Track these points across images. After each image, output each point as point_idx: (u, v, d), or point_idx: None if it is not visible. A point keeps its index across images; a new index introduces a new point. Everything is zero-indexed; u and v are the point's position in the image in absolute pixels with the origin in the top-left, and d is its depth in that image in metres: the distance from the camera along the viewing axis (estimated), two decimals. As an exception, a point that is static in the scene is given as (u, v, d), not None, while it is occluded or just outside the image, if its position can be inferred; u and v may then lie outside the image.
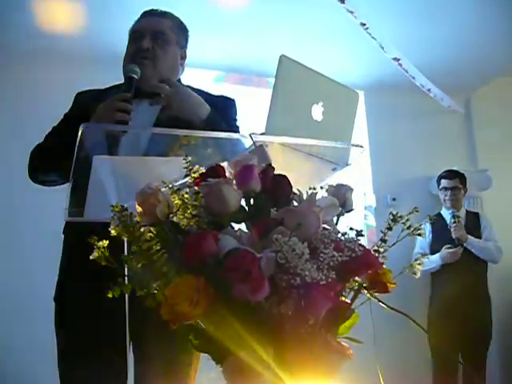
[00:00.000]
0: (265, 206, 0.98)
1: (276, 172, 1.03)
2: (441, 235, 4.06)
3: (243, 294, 0.79)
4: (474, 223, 4.23)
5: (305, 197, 1.03)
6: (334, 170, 1.33)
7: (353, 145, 1.32)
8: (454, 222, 4.00)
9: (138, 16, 1.92)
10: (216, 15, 3.66)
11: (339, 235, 0.96)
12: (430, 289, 4.19)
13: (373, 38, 3.66)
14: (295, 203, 1.02)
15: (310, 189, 1.04)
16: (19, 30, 3.53)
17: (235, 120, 1.90)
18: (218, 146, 1.33)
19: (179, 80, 1.94)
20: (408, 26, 3.88)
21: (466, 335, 3.78)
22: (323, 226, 0.96)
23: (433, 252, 4.03)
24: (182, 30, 1.95)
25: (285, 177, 1.02)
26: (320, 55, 3.77)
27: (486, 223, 4.28)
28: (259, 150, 1.12)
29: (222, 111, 1.79)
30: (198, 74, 4.30)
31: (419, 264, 1.09)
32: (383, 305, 1.03)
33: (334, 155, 1.30)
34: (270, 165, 1.05)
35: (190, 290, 0.84)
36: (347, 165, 1.33)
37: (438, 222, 4.03)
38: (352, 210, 1.12)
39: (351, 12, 3.34)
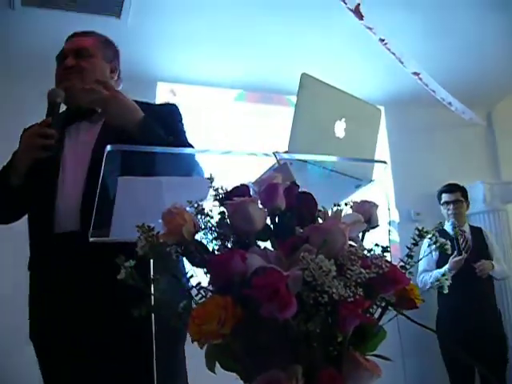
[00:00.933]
0: (290, 223, 0.99)
1: (300, 189, 1.03)
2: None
3: (271, 312, 0.79)
4: (479, 240, 4.16)
5: (330, 214, 1.03)
6: (358, 186, 1.33)
7: (376, 161, 1.32)
8: (456, 234, 3.93)
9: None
10: (236, 34, 3.70)
11: (365, 252, 0.95)
12: (438, 306, 4.06)
13: (392, 53, 3.66)
14: (320, 220, 1.02)
15: (335, 206, 1.04)
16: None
17: (181, 123, 1.87)
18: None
19: None
20: (427, 40, 3.89)
21: (479, 349, 3.50)
22: (349, 242, 0.96)
23: (438, 268, 3.94)
24: (107, 44, 1.92)
25: (310, 194, 1.02)
26: (339, 72, 3.79)
27: (491, 240, 4.22)
28: (283, 167, 1.13)
29: (166, 117, 1.79)
30: (219, 93, 4.34)
31: (446, 279, 1.09)
32: (412, 321, 1.02)
33: (357, 172, 1.30)
34: (295, 182, 1.05)
35: (217, 310, 0.84)
36: (371, 181, 1.33)
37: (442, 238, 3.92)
38: (377, 226, 1.12)
39: (370, 28, 3.36)
